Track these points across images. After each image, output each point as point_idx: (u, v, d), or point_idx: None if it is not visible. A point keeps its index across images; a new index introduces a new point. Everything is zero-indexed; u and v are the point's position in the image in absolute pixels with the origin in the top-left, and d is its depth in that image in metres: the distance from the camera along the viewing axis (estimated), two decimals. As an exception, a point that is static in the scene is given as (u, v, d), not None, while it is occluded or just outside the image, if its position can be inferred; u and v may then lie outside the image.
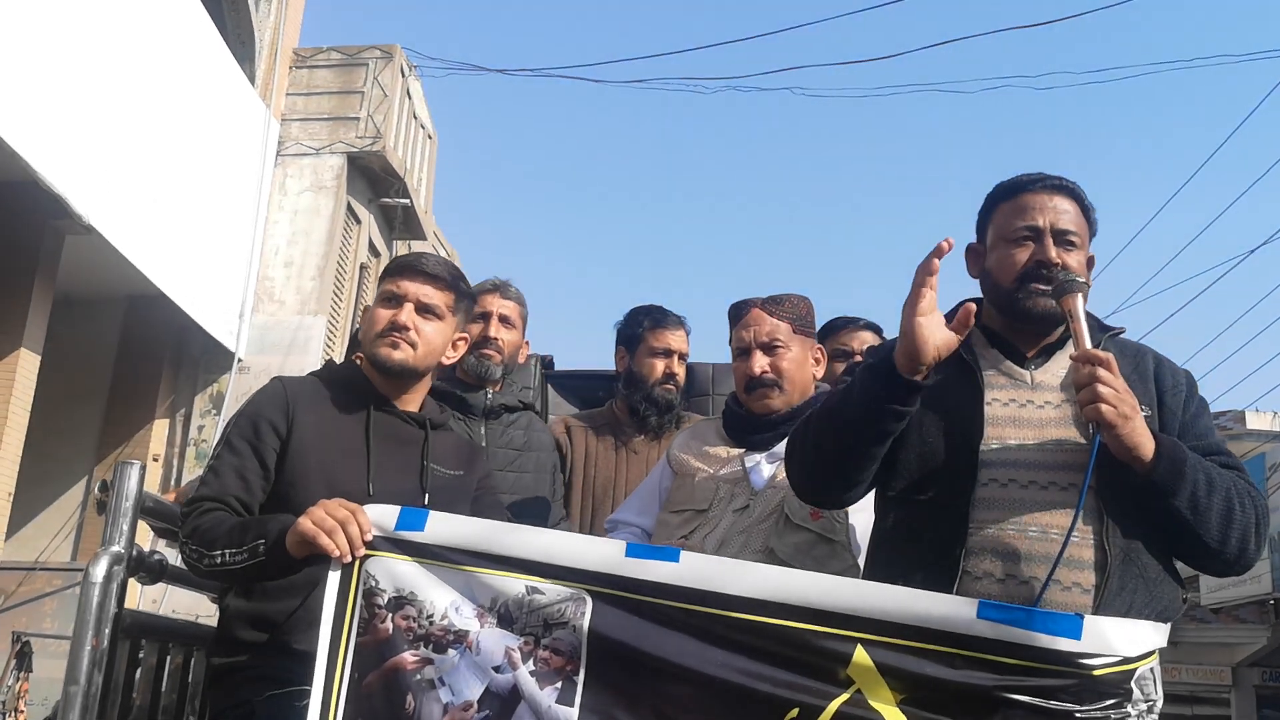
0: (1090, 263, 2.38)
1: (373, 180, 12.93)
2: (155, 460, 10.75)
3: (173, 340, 10.87)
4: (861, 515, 2.68)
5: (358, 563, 2.08)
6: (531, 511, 3.19)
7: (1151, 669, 2.00)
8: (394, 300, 2.57)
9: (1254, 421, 22.63)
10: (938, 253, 2.10)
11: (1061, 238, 2.30)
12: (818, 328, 3.57)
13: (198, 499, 2.38)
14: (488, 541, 2.10)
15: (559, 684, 1.98)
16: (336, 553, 2.07)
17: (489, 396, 3.45)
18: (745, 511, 2.85)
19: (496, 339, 3.46)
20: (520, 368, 3.83)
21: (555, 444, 3.60)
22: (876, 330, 3.80)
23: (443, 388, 3.44)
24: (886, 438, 2.20)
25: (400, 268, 2.63)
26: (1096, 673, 1.88)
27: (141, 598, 7.46)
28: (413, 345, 2.54)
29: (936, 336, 2.11)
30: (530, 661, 2.01)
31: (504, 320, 3.50)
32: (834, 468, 2.27)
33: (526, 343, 3.64)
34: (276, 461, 2.43)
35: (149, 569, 2.52)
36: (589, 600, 2.02)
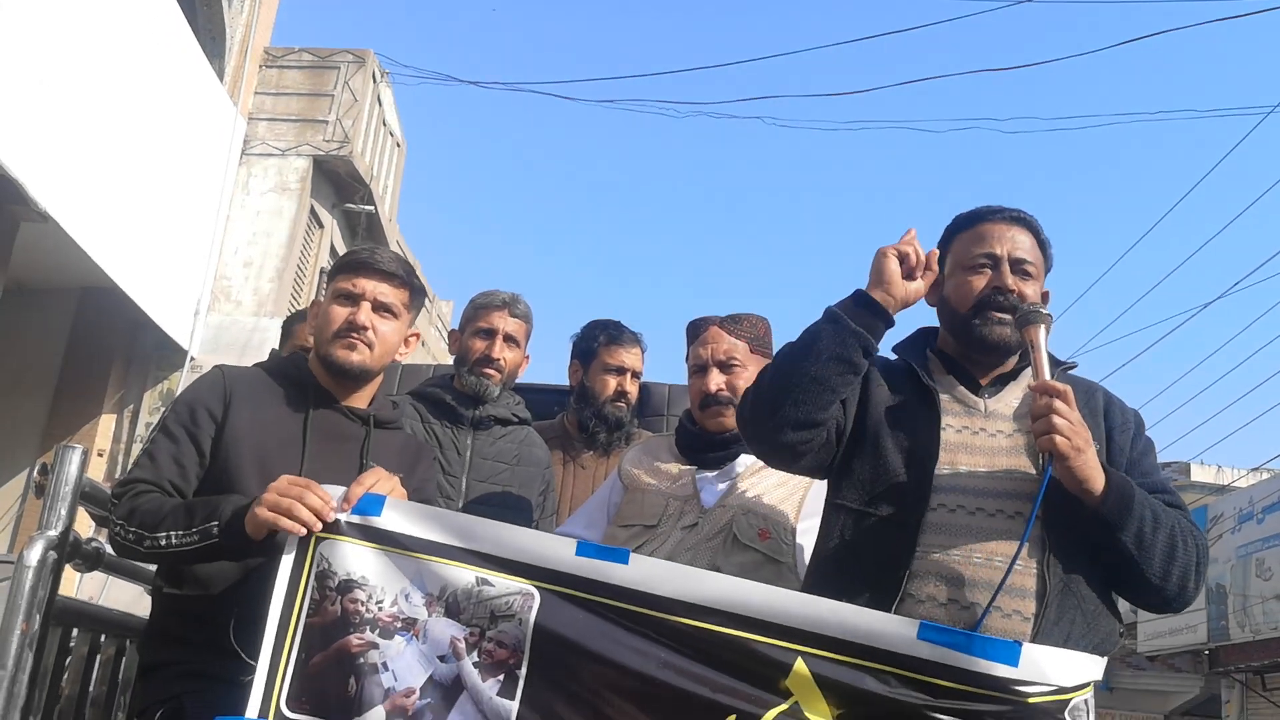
0: (1045, 297, 2.41)
1: (338, 185, 12.83)
2: (100, 455, 10.56)
3: (125, 335, 10.68)
4: (809, 538, 2.68)
5: (312, 544, 2.09)
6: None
7: (1085, 700, 2.02)
8: (350, 298, 2.52)
9: (1198, 474, 22.94)
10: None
11: (1018, 267, 2.34)
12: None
13: (131, 480, 2.34)
14: (442, 531, 2.11)
15: (501, 677, 1.99)
16: (301, 531, 2.06)
17: (479, 409, 3.40)
18: (694, 529, 2.84)
19: (499, 359, 3.41)
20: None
21: (549, 462, 3.54)
22: None
23: (435, 395, 3.42)
24: (847, 371, 2.22)
25: (356, 264, 2.56)
26: (1031, 700, 1.90)
27: (80, 589, 7.31)
28: (369, 345, 2.50)
29: (907, 281, 2.26)
30: (474, 653, 2.02)
31: (509, 339, 3.44)
32: (791, 397, 2.22)
33: (527, 357, 3.58)
34: (211, 448, 2.39)
35: (85, 556, 2.48)
36: (537, 595, 2.04)
